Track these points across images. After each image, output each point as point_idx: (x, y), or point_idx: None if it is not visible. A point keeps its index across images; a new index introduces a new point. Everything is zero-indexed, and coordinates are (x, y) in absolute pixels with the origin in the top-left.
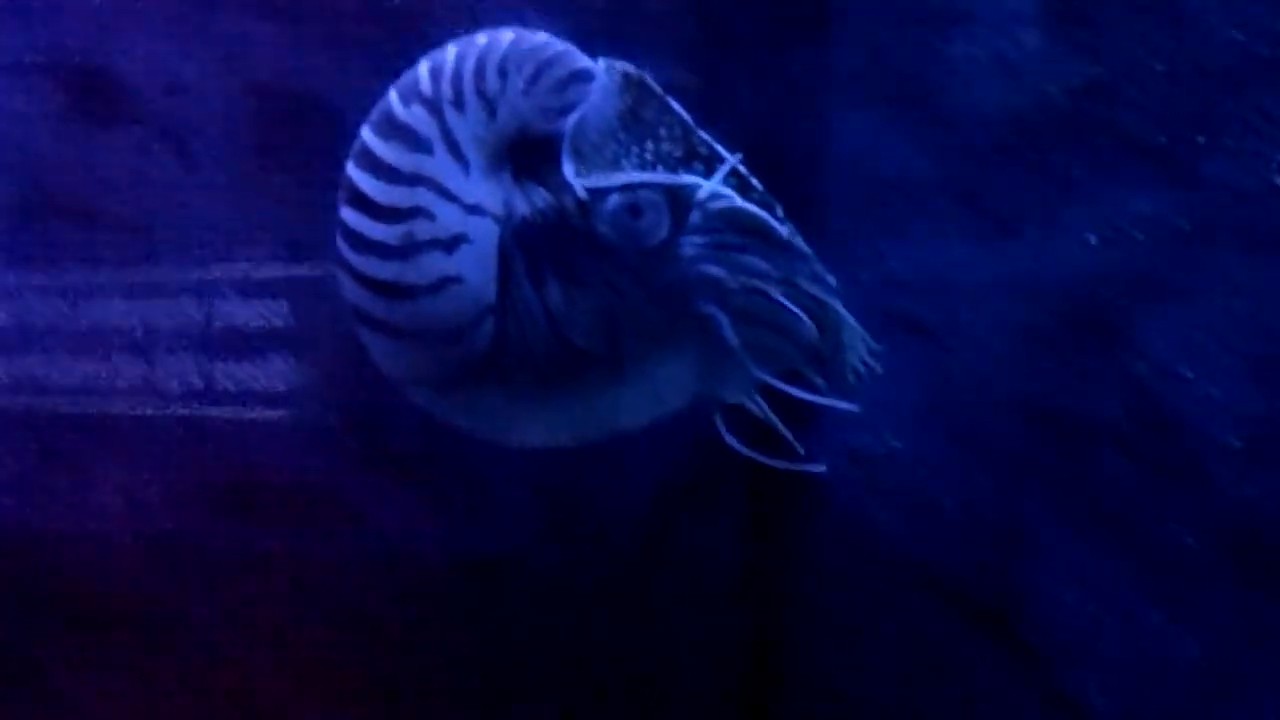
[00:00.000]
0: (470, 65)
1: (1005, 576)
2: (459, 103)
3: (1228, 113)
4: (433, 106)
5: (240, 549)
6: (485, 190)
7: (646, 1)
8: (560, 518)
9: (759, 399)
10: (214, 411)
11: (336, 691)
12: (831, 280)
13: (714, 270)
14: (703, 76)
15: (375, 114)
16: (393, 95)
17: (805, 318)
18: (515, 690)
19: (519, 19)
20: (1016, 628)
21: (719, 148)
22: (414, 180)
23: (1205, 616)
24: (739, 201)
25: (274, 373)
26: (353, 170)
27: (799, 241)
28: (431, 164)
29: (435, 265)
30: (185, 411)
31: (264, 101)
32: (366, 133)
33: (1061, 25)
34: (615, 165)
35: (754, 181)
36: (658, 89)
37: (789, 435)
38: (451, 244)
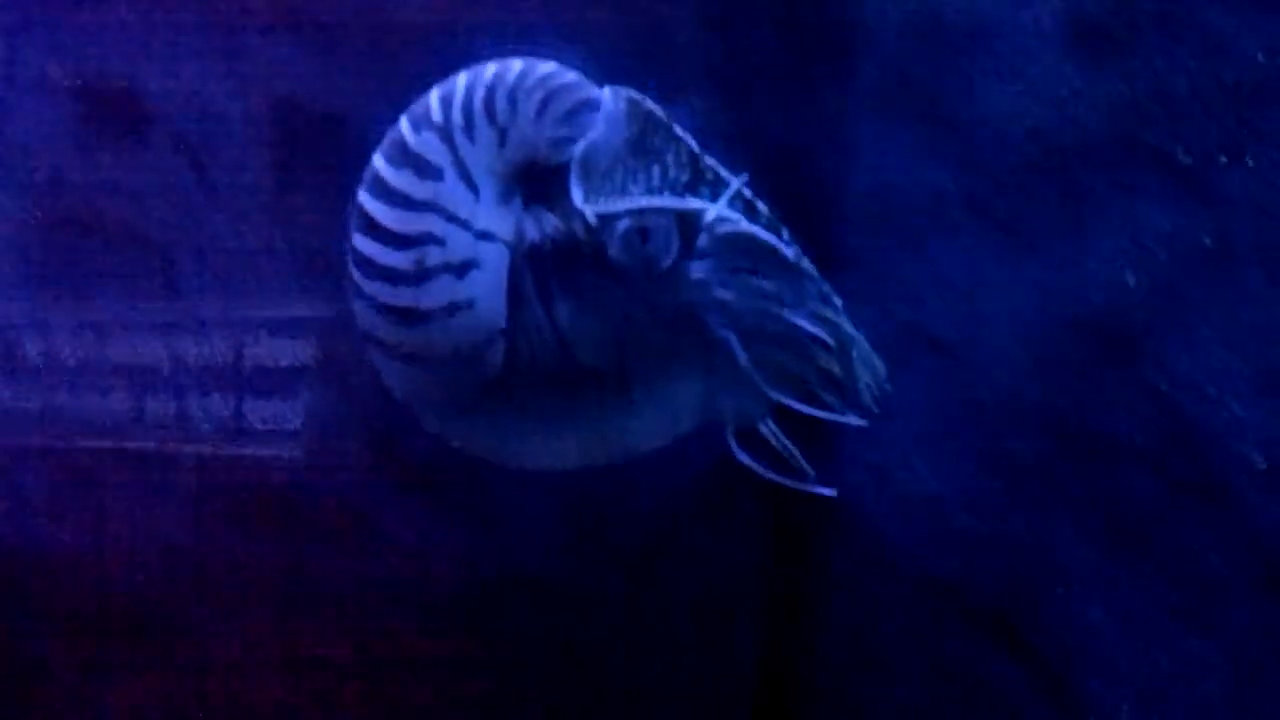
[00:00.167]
0: (480, 94)
1: (1027, 593)
2: (470, 130)
3: (1251, 131)
4: (444, 134)
5: (262, 569)
6: (496, 216)
7: (671, 26)
8: (579, 535)
9: (770, 421)
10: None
11: (362, 710)
12: (839, 301)
13: (723, 293)
14: (727, 97)
15: (387, 142)
16: (404, 123)
17: (814, 338)
18: (532, 707)
19: (545, 49)
20: (1039, 644)
21: (724, 172)
22: (425, 207)
23: (1229, 633)
24: (746, 225)
25: (294, 400)
26: (364, 197)
27: (806, 263)
28: (443, 191)
29: (446, 290)
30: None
31: (291, 124)
32: (378, 160)
33: (1086, 45)
34: (623, 191)
35: (760, 205)
36: (663, 115)
37: (799, 457)
38: (462, 269)
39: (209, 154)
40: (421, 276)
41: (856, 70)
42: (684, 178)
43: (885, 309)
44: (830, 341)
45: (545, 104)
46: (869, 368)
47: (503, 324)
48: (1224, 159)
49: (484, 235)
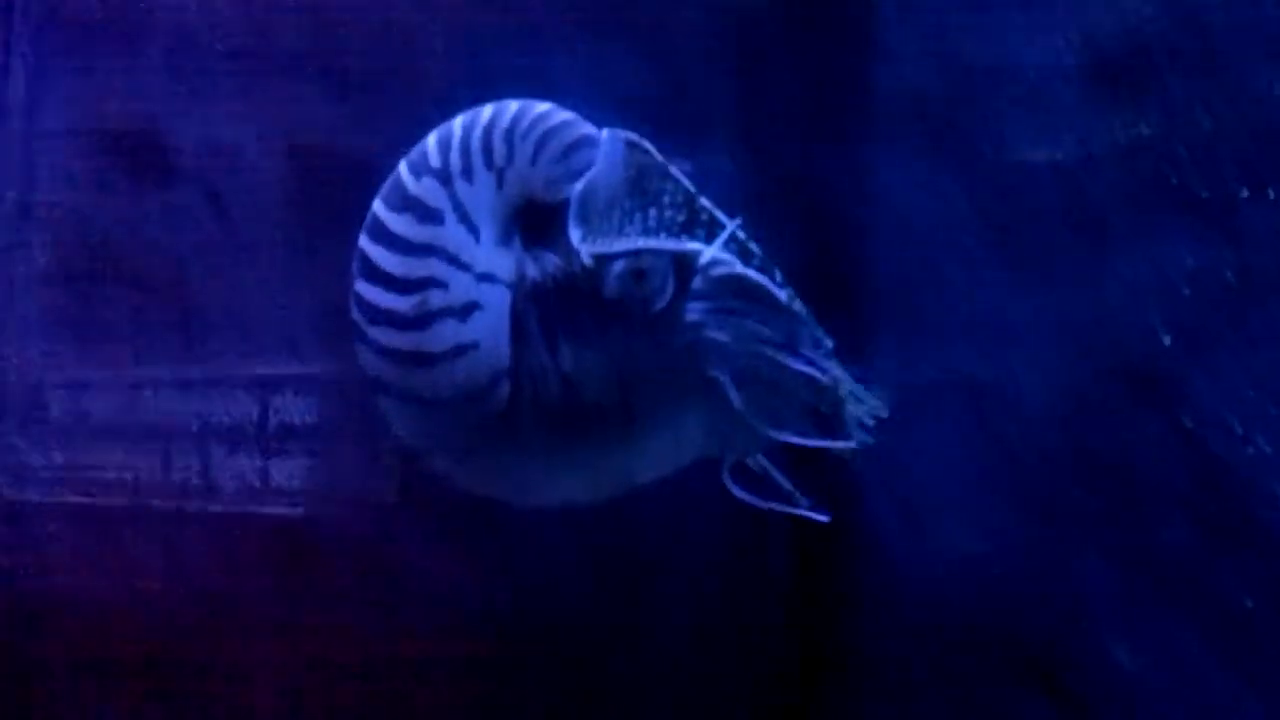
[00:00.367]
0: (477, 136)
1: (1059, 635)
2: (468, 173)
3: (1273, 166)
4: (442, 178)
5: (284, 616)
6: (496, 258)
7: (693, 67)
8: (599, 578)
9: (760, 455)
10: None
11: None
12: (830, 343)
13: (717, 335)
14: (750, 140)
15: (386, 187)
16: (403, 168)
17: (806, 379)
18: None
19: (570, 98)
20: (1069, 686)
21: (720, 214)
22: (426, 251)
23: (1263, 674)
24: (739, 267)
25: (316, 452)
26: (366, 243)
27: (798, 305)
28: (443, 234)
29: (450, 333)
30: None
31: (312, 168)
32: (378, 205)
33: (1106, 80)
34: (620, 232)
35: (753, 247)
36: (659, 157)
37: (789, 487)
38: (465, 311)
39: (233, 200)
40: (425, 320)
41: (878, 108)
42: (680, 219)
43: (910, 350)
44: (821, 382)
45: (541, 144)
46: (861, 404)
47: (507, 364)
48: (1245, 193)
49: (485, 277)
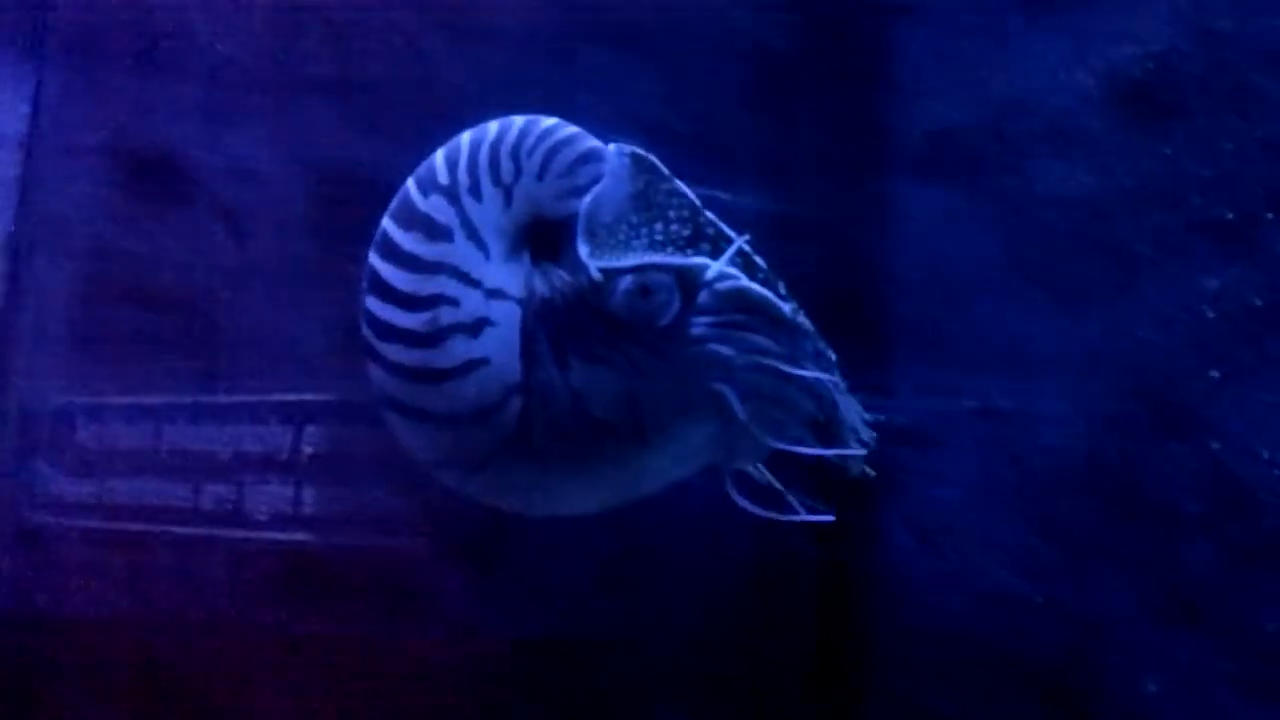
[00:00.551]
0: (485, 153)
1: (1083, 660)
2: (476, 191)
3: None
4: (451, 195)
5: (308, 641)
6: (505, 274)
7: (720, 101)
8: (627, 599)
9: (761, 465)
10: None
11: None
12: (832, 355)
13: (722, 349)
14: (773, 164)
15: (395, 204)
16: (411, 185)
17: (809, 392)
18: None
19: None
20: (1095, 712)
21: (725, 227)
22: (436, 268)
23: None
24: (745, 281)
25: (339, 478)
26: (375, 259)
27: (802, 318)
28: (452, 251)
29: (461, 349)
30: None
31: (329, 188)
32: (388, 223)
33: (1130, 107)
34: (627, 246)
35: (758, 260)
36: (666, 171)
37: (789, 497)
38: (475, 328)
39: (257, 224)
40: (436, 337)
41: (905, 142)
42: (685, 232)
43: (936, 375)
44: (824, 394)
45: (548, 159)
46: (857, 418)
47: (518, 379)
48: (1270, 216)
49: (495, 293)
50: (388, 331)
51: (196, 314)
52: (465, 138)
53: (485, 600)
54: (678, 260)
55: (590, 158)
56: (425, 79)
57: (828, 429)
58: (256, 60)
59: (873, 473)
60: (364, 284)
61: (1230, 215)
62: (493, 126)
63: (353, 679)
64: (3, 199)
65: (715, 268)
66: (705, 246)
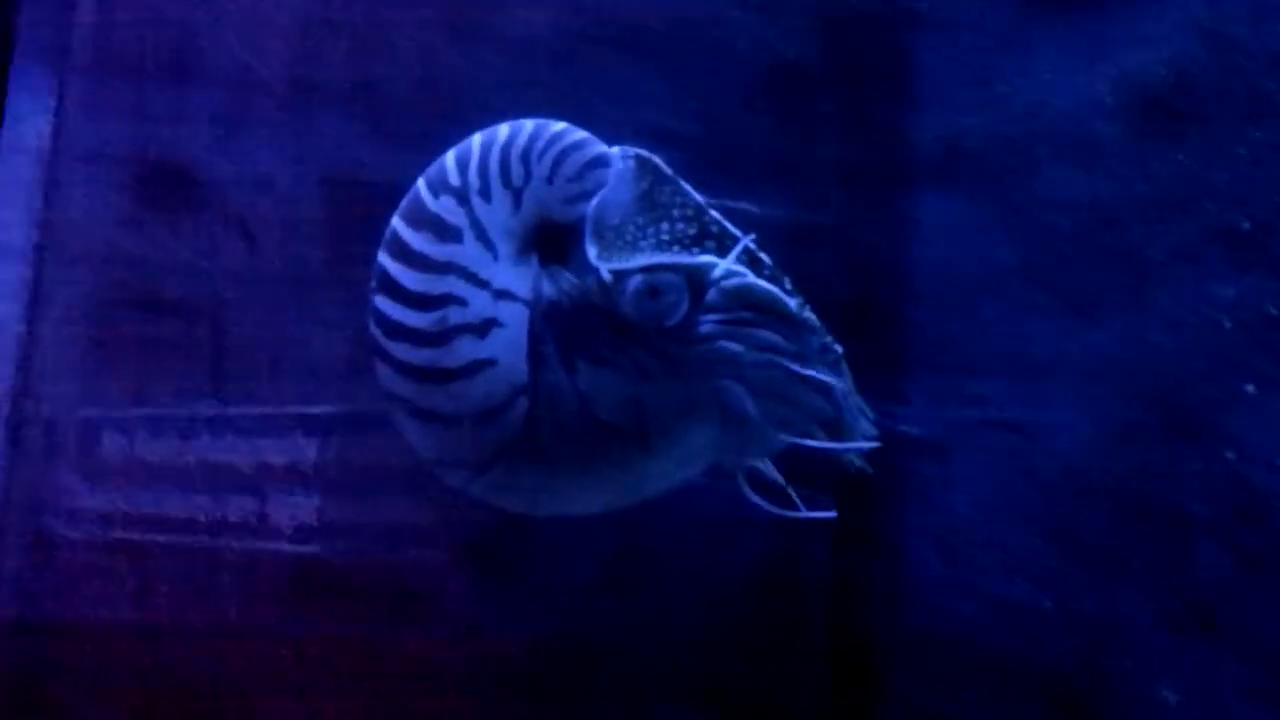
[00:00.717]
0: (495, 156)
1: (1097, 669)
2: (486, 192)
3: None
4: (461, 197)
5: (321, 647)
6: (514, 275)
7: (734, 109)
8: (634, 602)
9: (768, 461)
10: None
11: None
12: (839, 349)
13: (730, 346)
14: (790, 180)
15: (405, 204)
16: (422, 186)
17: (816, 386)
18: None
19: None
20: None
21: (730, 225)
22: (446, 268)
23: None
24: (752, 279)
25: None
26: (385, 259)
27: (808, 314)
28: (462, 252)
29: (468, 349)
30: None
31: (352, 199)
32: (397, 222)
33: (1144, 115)
34: (634, 247)
35: (764, 257)
36: (670, 172)
37: (792, 492)
38: (483, 328)
39: (277, 235)
40: (444, 336)
41: (915, 145)
42: (691, 231)
43: (950, 383)
44: (833, 388)
45: (557, 164)
46: (862, 413)
47: (524, 380)
48: None
49: (503, 294)
50: (396, 330)
51: (218, 324)
52: (476, 140)
53: (489, 602)
54: (685, 259)
55: (598, 163)
56: (441, 86)
57: (834, 424)
58: (277, 69)
59: (870, 469)
60: (373, 283)
61: (1246, 224)
62: (503, 130)
63: (357, 681)
64: (24, 208)
65: (722, 266)
66: (711, 245)
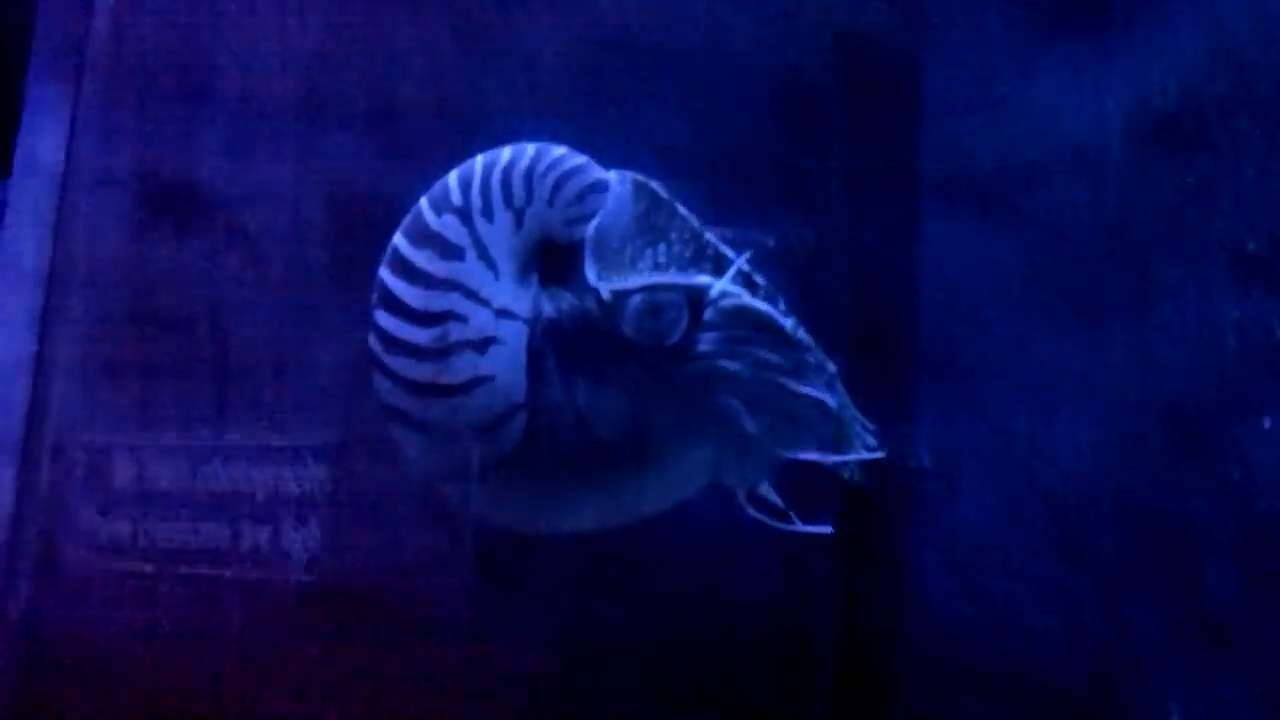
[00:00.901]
0: (497, 177)
1: (1107, 688)
2: (488, 212)
3: None
4: (463, 216)
5: (330, 665)
6: (514, 294)
7: (741, 124)
8: (641, 616)
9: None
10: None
11: None
12: (833, 368)
13: (729, 364)
14: (794, 192)
15: (407, 221)
16: (424, 205)
17: (813, 403)
18: None
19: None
20: None
21: (724, 247)
22: (447, 285)
23: None
24: (748, 298)
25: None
26: (387, 275)
27: (802, 332)
28: (463, 270)
29: (468, 365)
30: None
31: (370, 225)
32: (399, 240)
33: (1152, 132)
34: (633, 267)
35: (758, 278)
36: (666, 194)
37: (785, 508)
38: (483, 345)
39: (287, 254)
40: (444, 352)
41: (922, 161)
42: (688, 253)
43: (957, 399)
44: (828, 405)
45: (558, 187)
46: (860, 426)
47: (523, 398)
48: None
49: (504, 313)
50: (396, 345)
51: (230, 345)
52: (479, 161)
53: (491, 609)
54: (684, 279)
55: (598, 187)
56: (451, 106)
57: (832, 439)
58: (288, 90)
59: (864, 482)
60: (374, 298)
61: (1252, 245)
62: (505, 152)
63: (366, 704)
64: (37, 230)
65: (719, 286)
66: (707, 265)
